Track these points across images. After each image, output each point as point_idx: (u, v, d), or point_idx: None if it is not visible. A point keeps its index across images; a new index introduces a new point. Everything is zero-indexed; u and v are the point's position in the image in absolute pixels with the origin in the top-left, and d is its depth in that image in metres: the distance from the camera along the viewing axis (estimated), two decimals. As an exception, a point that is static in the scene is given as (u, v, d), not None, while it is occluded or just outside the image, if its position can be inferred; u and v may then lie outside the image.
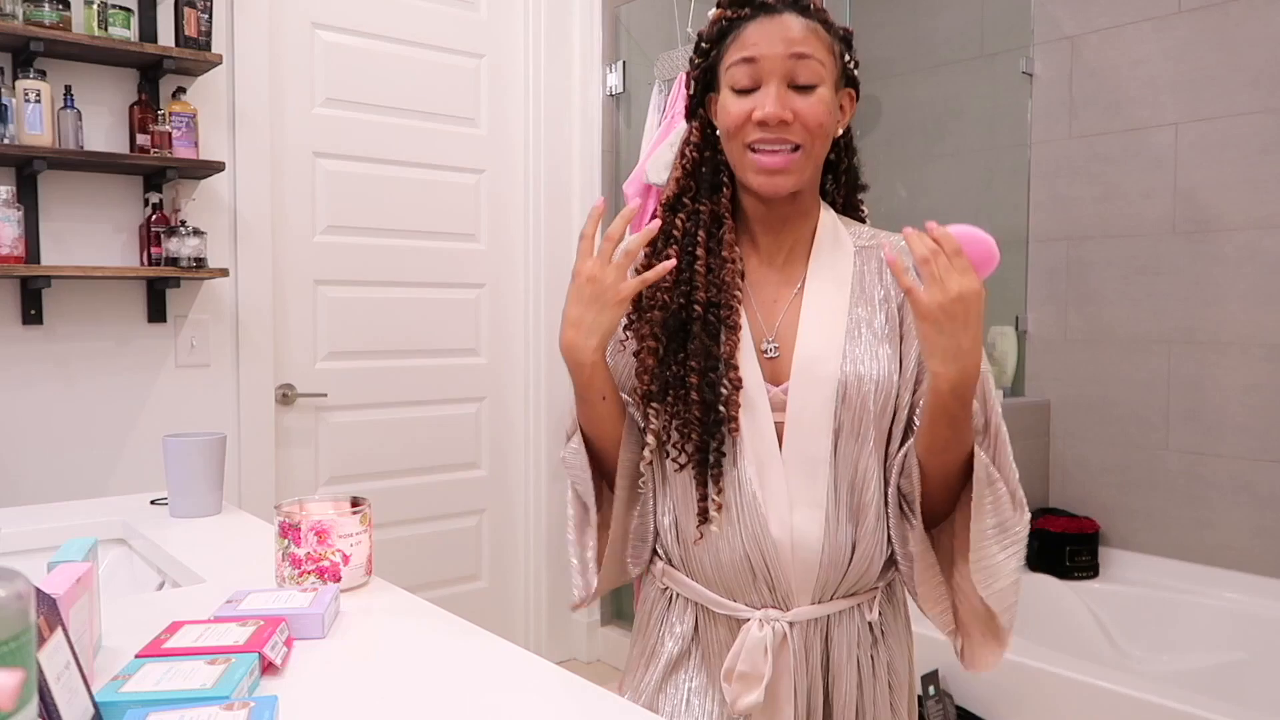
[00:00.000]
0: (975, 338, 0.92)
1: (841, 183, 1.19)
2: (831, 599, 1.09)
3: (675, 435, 1.07)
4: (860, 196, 1.21)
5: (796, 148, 1.04)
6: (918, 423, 1.06)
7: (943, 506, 1.06)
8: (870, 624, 1.11)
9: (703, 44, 1.11)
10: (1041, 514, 2.98)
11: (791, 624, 1.07)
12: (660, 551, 1.18)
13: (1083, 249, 2.99)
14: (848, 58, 1.09)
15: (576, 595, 1.16)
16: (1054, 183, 3.05)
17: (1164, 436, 2.81)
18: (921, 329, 0.93)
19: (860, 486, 1.07)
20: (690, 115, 1.15)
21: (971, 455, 1.00)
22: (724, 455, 1.06)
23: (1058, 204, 3.05)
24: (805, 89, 1.03)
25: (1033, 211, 3.11)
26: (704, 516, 1.06)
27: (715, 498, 1.06)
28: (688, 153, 1.13)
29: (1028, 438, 3.03)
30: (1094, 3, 2.93)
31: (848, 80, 1.10)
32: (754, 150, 1.04)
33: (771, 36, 1.02)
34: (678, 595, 1.15)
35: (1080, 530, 2.86)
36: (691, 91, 1.14)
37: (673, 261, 1.05)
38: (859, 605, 1.11)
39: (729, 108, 1.05)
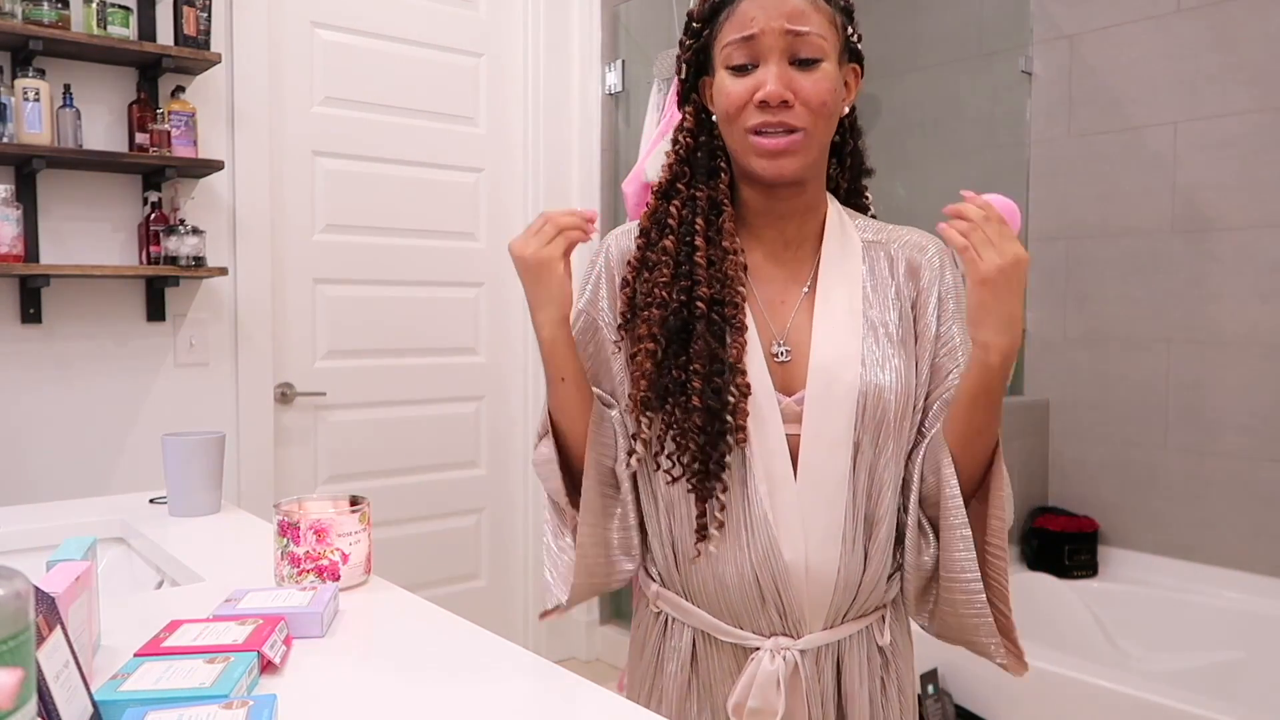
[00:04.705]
0: (1022, 303, 0.90)
1: (846, 166, 1.12)
2: (843, 622, 1.03)
3: (670, 445, 0.99)
4: (865, 181, 1.14)
5: (799, 130, 0.97)
6: (929, 419, 1.03)
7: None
8: (881, 648, 1.07)
9: (694, 24, 1.04)
10: (1040, 513, 2.99)
11: (803, 652, 1.01)
12: (653, 573, 1.10)
13: (1082, 248, 2.99)
14: (850, 30, 1.02)
15: (549, 602, 1.10)
16: (1053, 182, 3.05)
17: (1163, 435, 2.81)
18: (979, 296, 0.90)
19: (875, 499, 1.01)
20: (683, 102, 1.07)
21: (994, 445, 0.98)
22: (725, 468, 0.98)
23: (1057, 203, 3.05)
24: (807, 65, 0.96)
25: (1032, 210, 3.11)
26: (702, 534, 0.99)
27: (717, 515, 0.98)
28: (681, 139, 1.06)
29: (1027, 437, 3.03)
30: (1093, 2, 2.93)
31: (851, 55, 1.03)
32: (755, 134, 0.97)
33: (769, 10, 0.96)
34: (673, 620, 1.08)
35: (1079, 529, 2.86)
36: (683, 76, 1.06)
37: (593, 211, 1.00)
38: (869, 627, 1.06)
39: (726, 89, 0.98)
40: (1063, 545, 2.85)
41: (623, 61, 3.15)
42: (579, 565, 1.06)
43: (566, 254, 1.01)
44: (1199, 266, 2.73)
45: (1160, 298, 2.81)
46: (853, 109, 1.08)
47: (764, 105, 0.96)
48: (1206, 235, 2.71)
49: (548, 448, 1.09)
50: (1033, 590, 2.80)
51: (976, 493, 1.01)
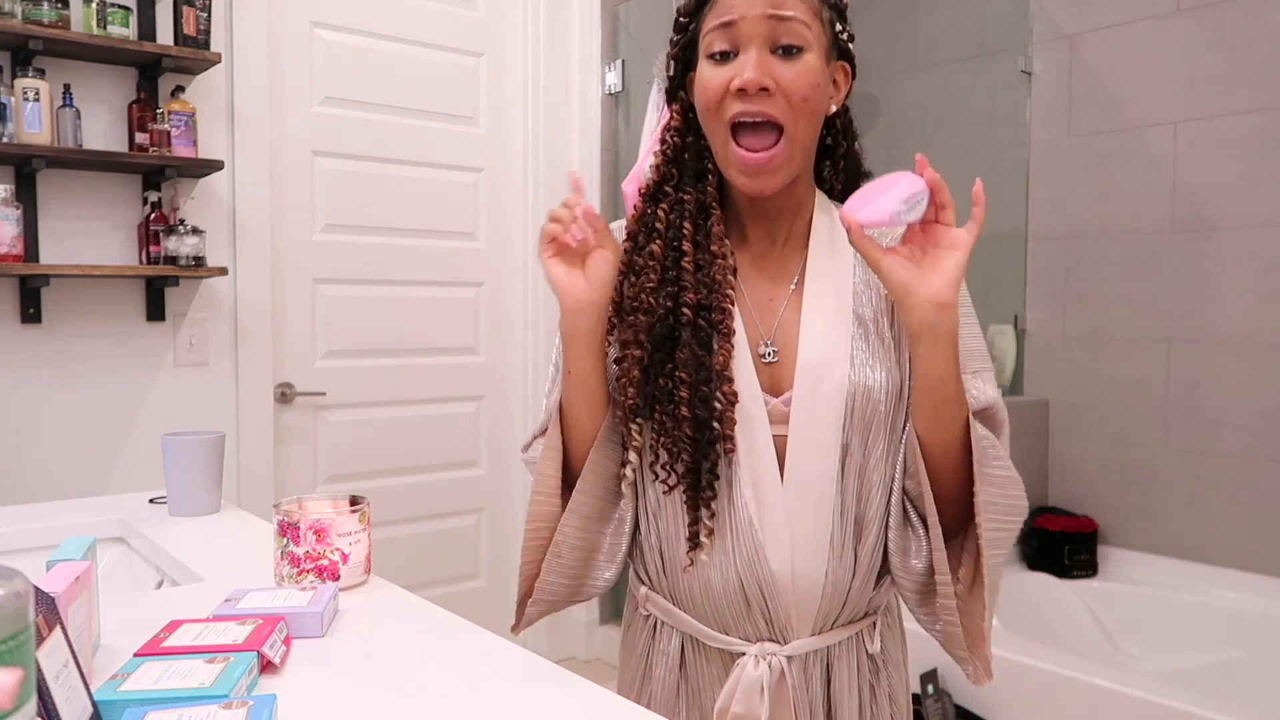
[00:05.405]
0: None
1: (840, 169, 1.09)
2: (832, 628, 1.01)
3: (663, 454, 0.97)
4: (862, 183, 1.08)
5: (779, 135, 0.94)
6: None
7: (954, 498, 0.94)
8: (871, 655, 1.04)
9: (681, 18, 1.02)
10: (1040, 513, 2.99)
11: (790, 658, 0.99)
12: (643, 576, 1.08)
13: (1081, 248, 2.99)
14: (839, 28, 0.99)
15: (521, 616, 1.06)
16: (1053, 181, 3.05)
17: (1163, 435, 2.81)
18: (957, 265, 0.87)
19: (865, 501, 0.98)
20: (671, 98, 1.05)
21: (966, 422, 0.92)
22: (717, 477, 0.96)
23: (1056, 203, 3.05)
24: (789, 53, 0.92)
25: (1031, 210, 3.11)
26: (694, 543, 0.97)
27: (708, 523, 0.97)
28: (669, 138, 1.03)
29: (1026, 437, 3.03)
30: (1093, 2, 2.93)
31: (840, 53, 0.99)
32: (736, 139, 0.94)
33: None
34: (662, 624, 1.06)
35: (1079, 529, 2.86)
36: (671, 72, 1.04)
37: (578, 181, 0.96)
38: (860, 634, 1.03)
39: (705, 80, 0.96)
40: (1062, 545, 2.85)
41: (623, 61, 3.15)
42: (550, 564, 1.01)
43: (561, 255, 0.97)
44: (1199, 266, 2.73)
45: (1160, 298, 2.81)
46: (846, 110, 1.05)
47: (742, 93, 0.92)
48: (1206, 235, 2.71)
49: (551, 439, 1.02)
50: (1032, 590, 2.80)
51: (963, 481, 0.94)
